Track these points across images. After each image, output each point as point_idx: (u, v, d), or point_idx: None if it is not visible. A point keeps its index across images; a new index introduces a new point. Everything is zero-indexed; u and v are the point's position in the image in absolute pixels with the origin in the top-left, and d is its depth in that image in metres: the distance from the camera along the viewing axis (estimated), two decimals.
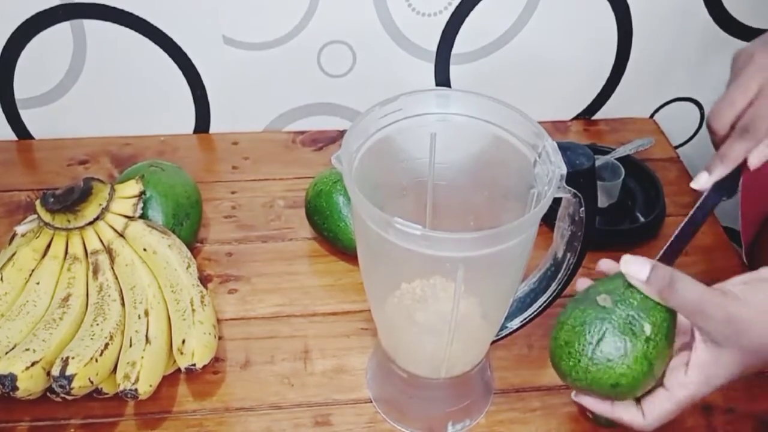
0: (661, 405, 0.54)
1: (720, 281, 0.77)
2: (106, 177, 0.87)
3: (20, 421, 0.64)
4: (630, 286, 0.53)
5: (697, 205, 0.62)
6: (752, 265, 0.79)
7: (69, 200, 0.66)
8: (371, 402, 0.67)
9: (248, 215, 0.84)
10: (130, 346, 0.63)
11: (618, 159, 0.85)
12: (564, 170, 0.53)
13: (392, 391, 0.66)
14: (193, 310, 0.66)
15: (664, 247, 0.61)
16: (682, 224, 0.61)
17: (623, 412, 0.55)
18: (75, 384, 0.59)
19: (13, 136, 0.93)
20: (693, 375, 0.52)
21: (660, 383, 0.55)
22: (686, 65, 0.97)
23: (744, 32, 0.94)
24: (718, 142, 0.63)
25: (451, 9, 0.88)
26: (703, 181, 0.60)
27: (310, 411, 0.66)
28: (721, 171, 0.60)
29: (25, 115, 0.91)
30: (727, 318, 0.50)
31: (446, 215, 0.63)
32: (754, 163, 0.60)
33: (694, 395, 0.53)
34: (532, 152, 0.55)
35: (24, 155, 0.92)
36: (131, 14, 0.84)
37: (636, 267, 0.52)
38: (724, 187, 0.62)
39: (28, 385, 0.60)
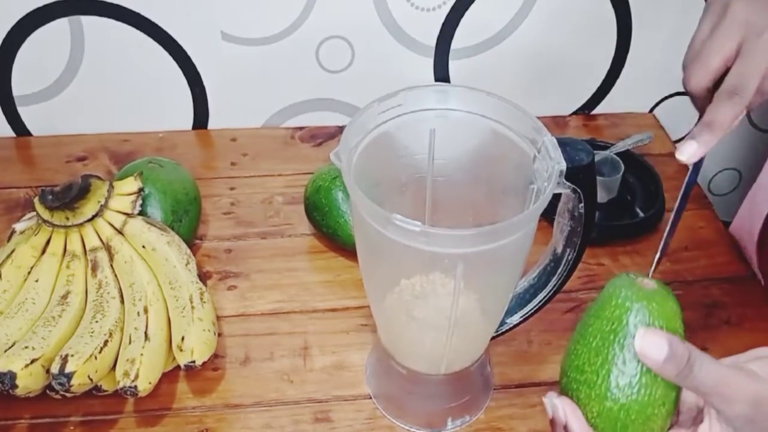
0: None
1: (720, 275, 0.78)
2: (104, 174, 0.86)
3: (20, 419, 0.64)
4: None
5: (681, 193, 0.57)
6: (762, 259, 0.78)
7: (67, 197, 0.66)
8: (371, 398, 0.67)
9: (247, 211, 0.84)
10: (130, 343, 0.63)
11: (617, 154, 0.85)
12: (563, 166, 0.52)
13: (392, 387, 0.66)
14: (193, 307, 0.66)
15: (661, 244, 0.57)
16: (672, 217, 0.57)
17: None
18: (74, 381, 0.59)
19: (11, 133, 0.93)
20: None
21: None
22: None
23: None
24: (699, 105, 0.56)
25: (450, 4, 0.88)
26: (691, 152, 0.51)
27: (310, 407, 0.66)
28: (710, 139, 0.51)
29: (23, 112, 0.91)
30: (748, 400, 0.44)
31: (445, 211, 0.63)
32: (683, 159, 0.53)
33: None
34: (532, 148, 0.55)
35: (22, 152, 0.91)
36: (129, 10, 0.84)
37: (652, 344, 0.45)
38: (698, 165, 0.56)
39: (28, 382, 0.59)
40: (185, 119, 0.94)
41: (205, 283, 0.69)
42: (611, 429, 0.48)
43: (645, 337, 0.45)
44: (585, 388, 0.49)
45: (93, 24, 0.85)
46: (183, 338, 0.64)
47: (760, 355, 0.48)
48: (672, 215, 0.57)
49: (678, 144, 0.53)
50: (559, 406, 0.49)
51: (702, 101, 0.55)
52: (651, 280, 0.49)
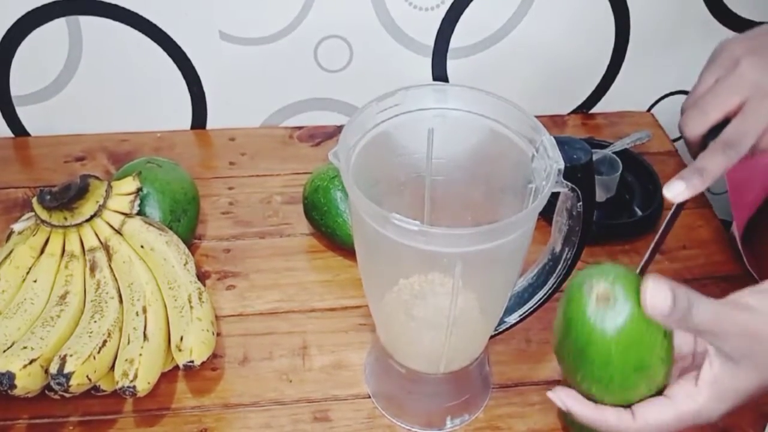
0: (659, 412, 0.49)
1: (718, 274, 0.78)
2: (102, 174, 0.86)
3: (18, 419, 0.64)
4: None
5: (668, 217, 0.60)
6: (750, 254, 0.79)
7: (66, 197, 0.66)
8: (370, 397, 0.67)
9: (246, 211, 0.84)
10: (128, 343, 0.63)
11: (615, 153, 0.85)
12: (561, 165, 0.53)
13: (391, 386, 0.66)
14: (191, 307, 0.66)
15: (646, 256, 0.59)
16: (657, 237, 0.59)
17: (610, 413, 0.51)
18: (73, 382, 0.59)
19: (9, 133, 0.93)
20: (704, 389, 0.48)
21: (658, 393, 0.51)
22: (684, 58, 0.96)
23: (742, 25, 0.94)
24: (692, 150, 0.58)
25: (448, 3, 0.88)
26: (678, 191, 0.53)
27: (309, 407, 0.66)
28: (698, 185, 0.53)
29: (22, 112, 0.91)
30: (743, 332, 0.46)
31: (444, 210, 0.63)
32: (670, 196, 0.55)
33: (700, 410, 0.49)
34: (530, 147, 0.55)
35: (20, 152, 0.91)
36: (127, 10, 0.84)
37: (658, 297, 0.45)
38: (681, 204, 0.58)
39: (26, 383, 0.59)
40: (184, 119, 0.94)
41: (203, 283, 0.69)
42: (613, 397, 0.51)
43: (653, 290, 0.45)
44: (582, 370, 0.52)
45: (91, 24, 0.85)
46: (182, 338, 0.64)
47: (761, 288, 0.49)
48: (656, 237, 0.60)
49: (668, 182, 0.55)
50: (554, 397, 0.53)
51: (695, 147, 0.57)
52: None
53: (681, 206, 0.59)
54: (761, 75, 0.54)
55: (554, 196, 0.56)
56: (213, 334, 0.66)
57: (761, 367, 0.47)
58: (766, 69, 0.55)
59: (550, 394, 0.53)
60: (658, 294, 0.45)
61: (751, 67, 0.55)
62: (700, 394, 0.48)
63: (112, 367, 0.63)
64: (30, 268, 0.67)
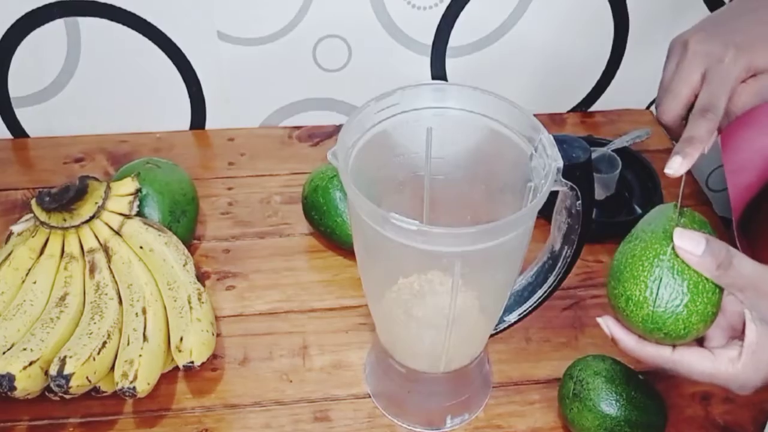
0: (698, 360, 0.51)
1: None
2: (102, 175, 0.86)
3: (19, 421, 0.64)
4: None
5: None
6: (748, 244, 0.79)
7: (65, 199, 0.66)
8: (370, 397, 0.67)
9: (245, 211, 0.84)
10: (128, 344, 0.63)
11: (615, 151, 0.85)
12: (560, 163, 0.53)
13: (391, 385, 0.66)
14: (191, 308, 0.66)
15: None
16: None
17: (651, 346, 0.52)
18: (73, 383, 0.59)
19: (8, 135, 0.93)
20: (744, 356, 0.50)
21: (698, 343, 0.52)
22: None
23: None
24: (673, 135, 0.61)
25: (447, 2, 0.88)
26: (677, 166, 0.55)
27: (309, 407, 0.66)
28: (692, 152, 0.55)
29: (21, 114, 0.91)
30: None
31: (443, 209, 0.63)
32: (671, 172, 0.56)
33: (737, 375, 0.50)
34: (529, 145, 0.55)
35: (19, 154, 0.91)
36: (126, 11, 0.84)
37: (690, 242, 0.49)
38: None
39: (26, 384, 0.59)
40: (182, 119, 0.94)
41: (203, 284, 0.69)
42: (657, 331, 0.50)
43: (683, 235, 0.49)
44: (631, 304, 0.51)
45: (89, 25, 0.85)
46: (181, 339, 0.64)
47: None
48: None
49: (666, 164, 0.57)
50: (601, 322, 0.54)
51: (676, 129, 0.60)
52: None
53: None
54: (710, 45, 0.58)
55: (553, 195, 0.56)
56: (213, 334, 0.66)
57: None
58: (712, 39, 0.58)
59: (599, 320, 0.54)
60: (690, 237, 0.49)
61: (700, 42, 0.58)
62: (740, 360, 0.50)
63: (112, 368, 0.63)
64: (29, 270, 0.67)
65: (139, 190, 0.71)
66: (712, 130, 0.56)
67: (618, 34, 0.94)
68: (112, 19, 0.85)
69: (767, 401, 0.67)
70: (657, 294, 0.49)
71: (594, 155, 0.75)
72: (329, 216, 0.76)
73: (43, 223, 0.67)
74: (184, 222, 0.76)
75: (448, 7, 0.88)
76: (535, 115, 0.55)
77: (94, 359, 0.61)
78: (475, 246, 0.50)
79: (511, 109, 0.56)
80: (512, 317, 0.65)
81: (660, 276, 0.49)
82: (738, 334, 0.52)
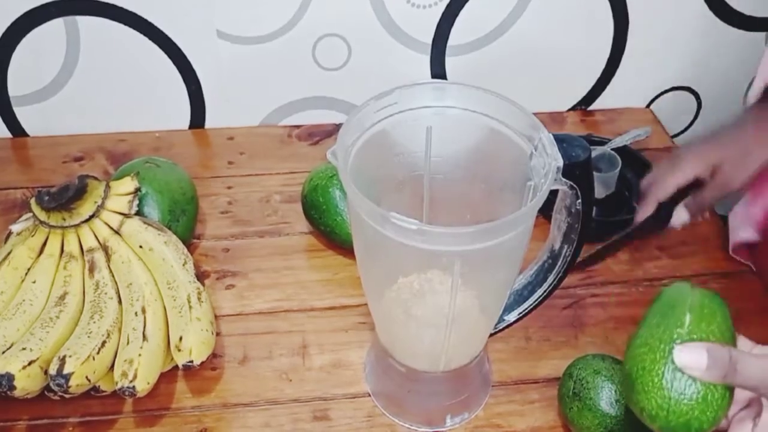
0: None
1: (718, 270, 0.78)
2: (101, 174, 0.86)
3: (18, 420, 0.64)
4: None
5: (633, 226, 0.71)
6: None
7: (64, 198, 0.66)
8: (369, 396, 0.67)
9: (244, 210, 0.84)
10: (128, 343, 0.63)
11: (615, 149, 0.85)
12: (560, 162, 0.52)
13: (390, 385, 0.66)
14: (191, 307, 0.66)
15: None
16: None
17: None
18: (72, 382, 0.59)
19: (7, 134, 0.93)
20: None
21: None
22: (682, 54, 0.96)
23: (740, 20, 0.94)
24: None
25: (446, 1, 0.88)
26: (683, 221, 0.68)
27: (309, 406, 0.66)
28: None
29: (20, 113, 0.91)
30: None
31: (443, 209, 0.63)
32: (676, 225, 0.69)
33: None
34: (528, 144, 0.55)
35: (19, 153, 0.91)
36: (125, 10, 0.84)
37: (691, 358, 0.48)
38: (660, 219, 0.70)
39: (26, 384, 0.59)
40: (182, 118, 0.94)
41: (202, 283, 0.69)
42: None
43: (683, 352, 0.49)
44: (645, 414, 0.51)
45: (89, 24, 0.85)
46: (181, 338, 0.64)
47: None
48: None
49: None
50: None
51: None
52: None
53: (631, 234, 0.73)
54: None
55: (553, 194, 0.55)
56: (212, 333, 0.66)
57: None
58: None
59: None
60: (690, 353, 0.48)
61: (708, 149, 0.67)
62: None
63: (112, 368, 0.63)
64: (29, 269, 0.67)
65: (138, 190, 0.71)
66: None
67: (618, 33, 0.94)
68: (111, 18, 0.85)
69: None
70: (669, 408, 0.49)
71: (594, 154, 0.75)
72: (329, 215, 0.76)
73: (42, 223, 0.67)
74: (184, 221, 0.76)
75: (448, 6, 0.88)
76: (534, 114, 0.55)
77: (93, 359, 0.61)
78: (474, 245, 0.50)
79: (510, 108, 0.56)
80: (512, 316, 0.65)
81: (670, 387, 0.49)
82: (747, 404, 0.52)
